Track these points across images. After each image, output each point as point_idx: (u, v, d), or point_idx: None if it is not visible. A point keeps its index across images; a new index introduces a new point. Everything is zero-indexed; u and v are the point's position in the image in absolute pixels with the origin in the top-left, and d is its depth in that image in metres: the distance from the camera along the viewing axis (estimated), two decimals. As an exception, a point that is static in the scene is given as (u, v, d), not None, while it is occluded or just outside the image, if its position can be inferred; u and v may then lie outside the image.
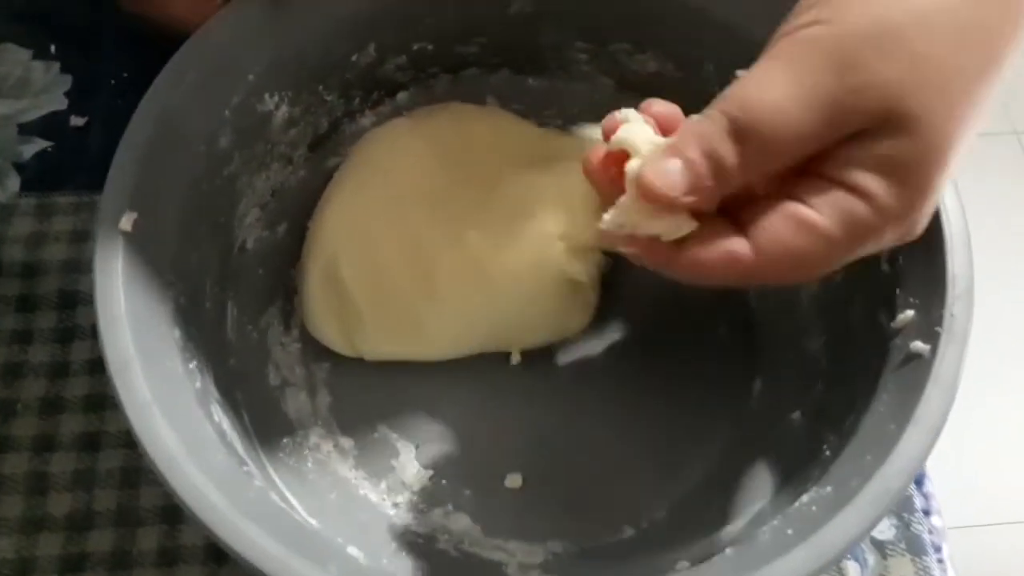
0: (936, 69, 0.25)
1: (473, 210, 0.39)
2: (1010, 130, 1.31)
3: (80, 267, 0.42)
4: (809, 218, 0.26)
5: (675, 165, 0.26)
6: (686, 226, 0.27)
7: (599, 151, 0.29)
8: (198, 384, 0.33)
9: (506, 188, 0.40)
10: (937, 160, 0.26)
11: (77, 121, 0.46)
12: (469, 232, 0.38)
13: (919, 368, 0.30)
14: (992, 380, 1.04)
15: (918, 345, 0.31)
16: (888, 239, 0.27)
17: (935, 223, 0.32)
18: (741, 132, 0.26)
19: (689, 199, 0.26)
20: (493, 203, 0.39)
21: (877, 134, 0.25)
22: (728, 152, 0.26)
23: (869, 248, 0.27)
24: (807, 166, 0.26)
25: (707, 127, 0.26)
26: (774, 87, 0.25)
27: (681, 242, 0.27)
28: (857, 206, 0.26)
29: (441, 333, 0.38)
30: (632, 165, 0.28)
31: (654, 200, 0.26)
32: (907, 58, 0.25)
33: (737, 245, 0.26)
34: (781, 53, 0.26)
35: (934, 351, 0.30)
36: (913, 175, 0.26)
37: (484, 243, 0.38)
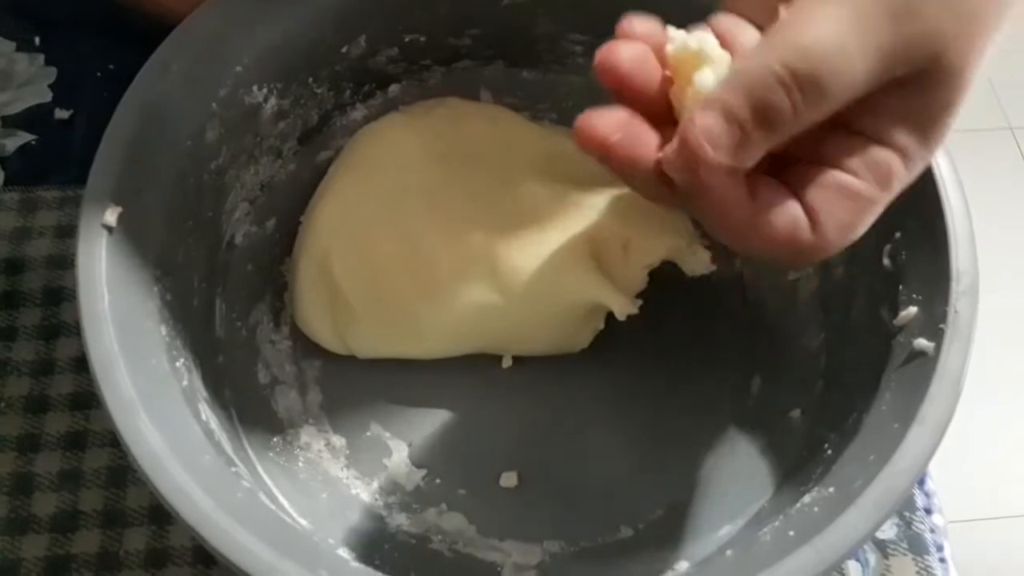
0: (971, 19, 0.25)
1: (474, 210, 0.38)
2: (1005, 126, 1.31)
3: (65, 263, 0.41)
4: (855, 188, 0.25)
5: (719, 123, 0.24)
6: None
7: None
8: (185, 383, 0.32)
9: (516, 192, 0.38)
10: (957, 110, 0.26)
11: (62, 114, 0.45)
12: (472, 233, 0.37)
13: (923, 366, 0.30)
14: (992, 373, 1.03)
15: (922, 342, 0.30)
16: (904, 185, 0.26)
17: (938, 218, 0.32)
18: (801, 81, 0.23)
19: (730, 160, 0.24)
20: (500, 205, 0.38)
21: (913, 85, 0.25)
22: (781, 105, 0.24)
23: (893, 196, 0.26)
24: (836, 117, 0.25)
25: (759, 77, 0.24)
26: (833, 30, 0.24)
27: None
28: (892, 161, 0.25)
29: (436, 332, 0.38)
30: (705, 77, 0.25)
31: (692, 163, 0.24)
32: (955, 7, 0.24)
33: (801, 220, 0.25)
34: None
35: (938, 348, 0.30)
36: (938, 125, 0.26)
37: (490, 246, 0.37)
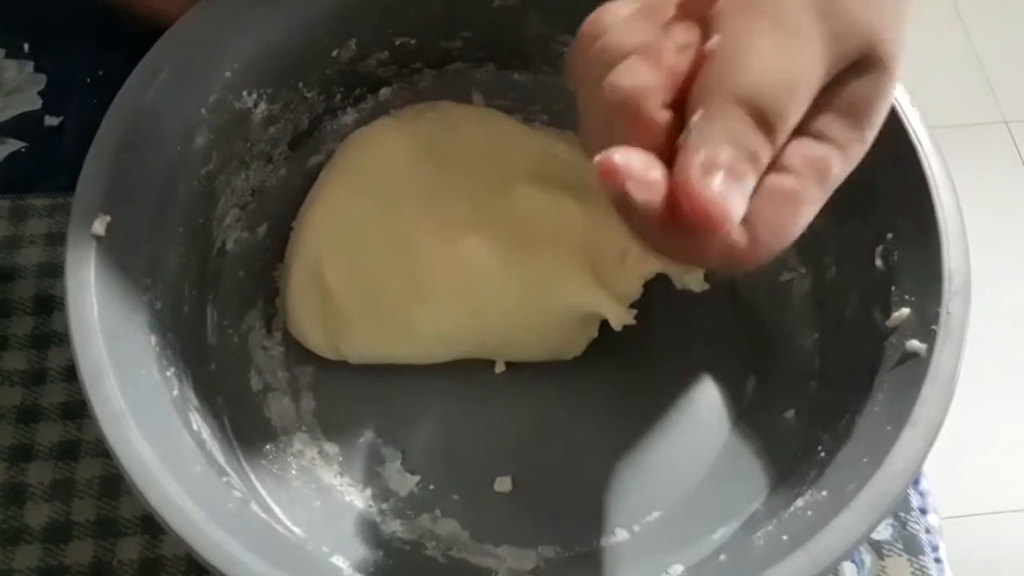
0: (891, 3, 0.25)
1: (468, 214, 0.38)
2: (1000, 119, 1.31)
3: (56, 271, 0.41)
4: (789, 188, 0.25)
5: (728, 183, 0.23)
6: None
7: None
8: (176, 392, 0.32)
9: (510, 196, 0.38)
10: (889, 97, 0.26)
11: (51, 121, 0.45)
12: (465, 237, 0.37)
13: (915, 367, 0.30)
14: (985, 368, 1.04)
15: (914, 344, 0.30)
16: (842, 176, 0.26)
17: (930, 219, 0.32)
18: (766, 118, 0.24)
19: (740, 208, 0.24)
20: (494, 209, 0.38)
21: (847, 78, 0.25)
22: (761, 144, 0.24)
23: (832, 188, 0.26)
24: None
25: (733, 125, 0.24)
26: (777, 60, 0.24)
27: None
28: (829, 155, 0.25)
29: (429, 337, 0.37)
30: None
31: (711, 225, 0.23)
32: None
33: (733, 233, 0.24)
34: (760, 10, 0.24)
35: (931, 350, 0.30)
36: (873, 114, 0.26)
37: (484, 251, 0.37)
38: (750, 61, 0.24)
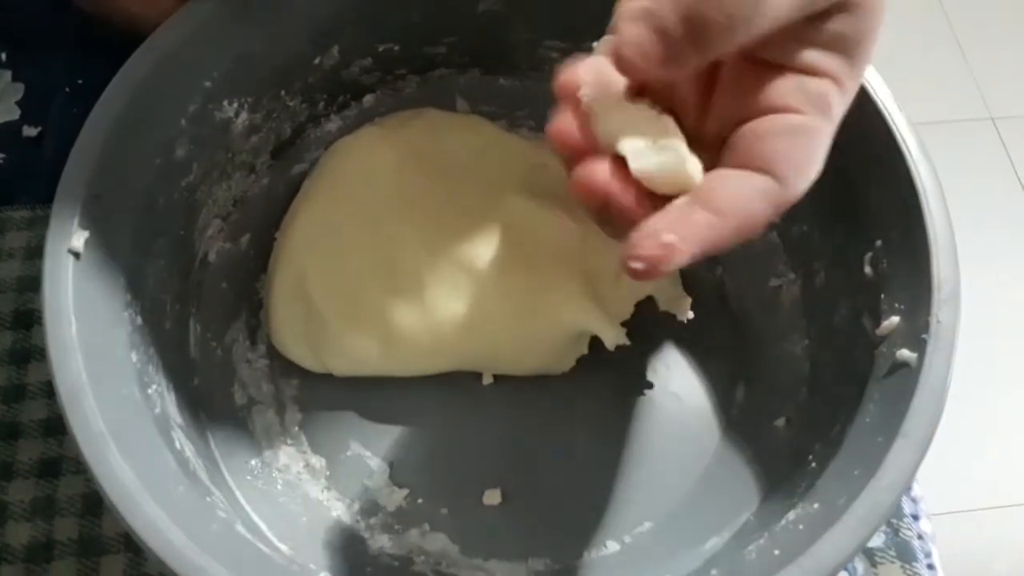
0: None
1: (455, 224, 0.37)
2: (986, 116, 1.32)
3: (36, 285, 0.40)
4: (801, 124, 0.25)
5: (648, 32, 0.23)
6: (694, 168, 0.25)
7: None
8: (157, 410, 0.32)
9: (498, 205, 0.38)
10: (876, 29, 0.27)
11: (30, 131, 0.44)
12: (453, 249, 0.37)
13: (906, 377, 0.29)
14: (976, 366, 1.04)
15: (904, 353, 0.30)
16: (843, 109, 0.27)
17: (919, 226, 0.31)
18: (696, 25, 0.23)
19: (659, 72, 0.24)
20: (482, 219, 0.37)
21: (835, 13, 0.26)
22: (716, 17, 0.24)
23: (836, 122, 0.27)
24: (762, 60, 0.26)
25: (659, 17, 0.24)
26: None
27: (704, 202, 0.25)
28: (827, 88, 0.26)
29: (415, 350, 0.37)
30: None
31: (633, 72, 0.24)
32: None
33: (758, 180, 0.25)
34: None
35: (921, 359, 0.29)
36: (863, 48, 0.27)
37: (473, 263, 0.36)
38: None
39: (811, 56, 0.26)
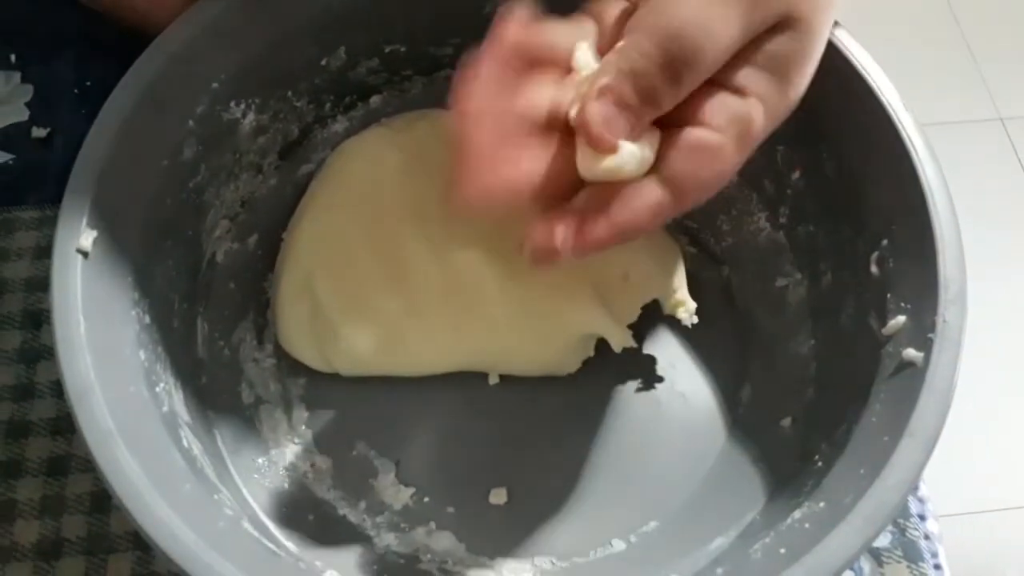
0: None
1: (464, 227, 0.37)
2: (995, 117, 1.31)
3: (45, 285, 0.39)
4: (708, 142, 0.27)
5: (613, 111, 0.26)
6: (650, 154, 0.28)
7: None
8: (165, 408, 0.32)
9: (508, 211, 0.38)
10: (814, 57, 0.28)
11: (39, 132, 0.45)
12: (462, 251, 0.37)
13: (912, 377, 0.29)
14: (981, 364, 1.03)
15: (910, 353, 0.30)
16: (766, 130, 0.28)
17: (926, 225, 0.31)
18: (677, 63, 0.26)
19: (625, 137, 0.27)
20: (491, 224, 0.37)
21: (769, 37, 0.27)
22: (663, 85, 0.26)
23: (756, 143, 0.28)
24: None
25: (640, 64, 0.26)
26: (696, 9, 0.26)
27: (602, 208, 0.27)
28: (752, 109, 0.27)
29: (422, 351, 0.37)
30: (584, 54, 0.28)
31: (604, 147, 0.27)
32: None
33: (655, 194, 0.27)
34: None
35: (927, 359, 0.29)
36: (795, 71, 0.28)
37: (480, 264, 0.36)
38: (672, 9, 0.26)
39: (742, 75, 0.27)
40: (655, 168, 0.27)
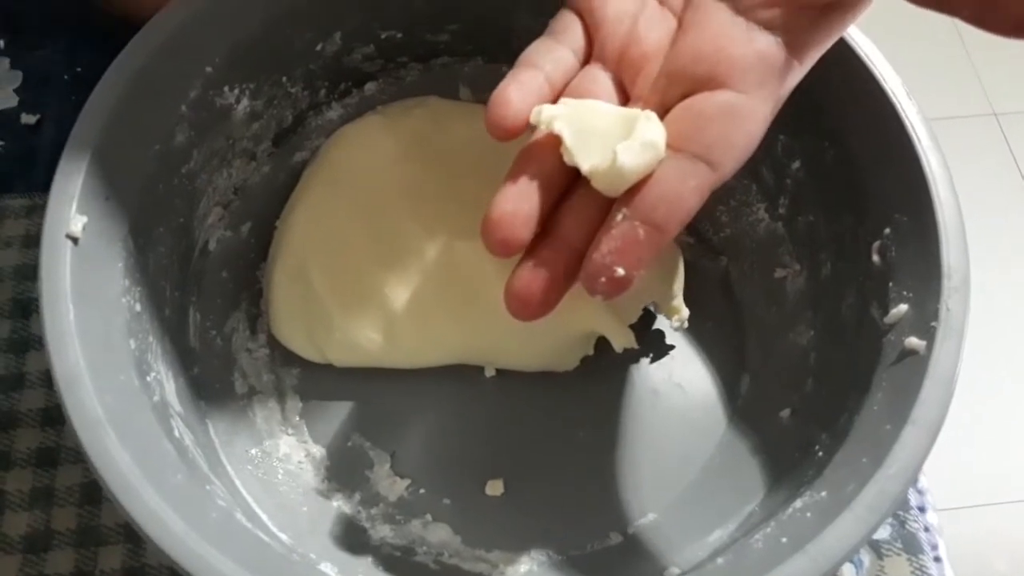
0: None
1: (461, 217, 0.37)
2: (989, 112, 1.31)
3: (34, 273, 0.39)
4: (735, 103, 0.27)
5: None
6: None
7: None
8: (156, 398, 0.31)
9: None
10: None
11: (28, 119, 0.44)
12: (457, 242, 0.36)
13: (914, 365, 0.29)
14: (981, 359, 1.03)
15: (913, 341, 0.30)
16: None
17: (928, 214, 0.31)
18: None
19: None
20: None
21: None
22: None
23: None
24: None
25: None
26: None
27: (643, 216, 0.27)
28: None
29: (416, 344, 0.36)
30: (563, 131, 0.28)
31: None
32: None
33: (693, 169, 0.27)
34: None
35: (930, 347, 0.29)
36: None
37: (477, 255, 0.36)
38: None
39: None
40: (684, 142, 0.27)
